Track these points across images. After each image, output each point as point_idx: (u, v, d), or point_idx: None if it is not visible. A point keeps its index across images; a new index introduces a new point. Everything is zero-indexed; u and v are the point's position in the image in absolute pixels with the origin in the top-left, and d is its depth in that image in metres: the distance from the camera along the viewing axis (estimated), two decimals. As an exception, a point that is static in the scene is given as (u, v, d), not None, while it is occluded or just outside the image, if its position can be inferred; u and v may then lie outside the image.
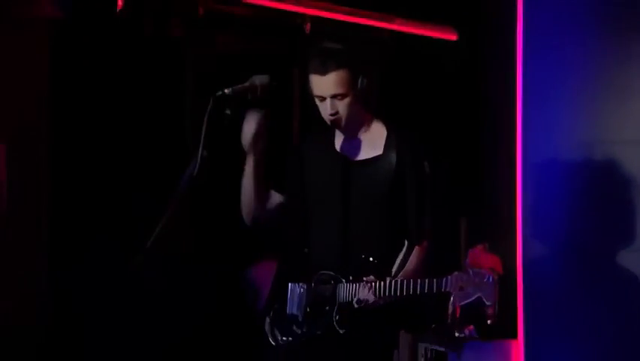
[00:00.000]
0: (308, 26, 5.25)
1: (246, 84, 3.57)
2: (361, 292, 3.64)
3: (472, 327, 5.24)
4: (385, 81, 5.56)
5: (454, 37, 5.73)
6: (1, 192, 4.88)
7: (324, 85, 3.72)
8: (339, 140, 3.90)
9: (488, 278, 3.39)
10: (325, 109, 3.75)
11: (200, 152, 3.27)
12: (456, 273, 3.48)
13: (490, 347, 5.16)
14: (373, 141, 3.83)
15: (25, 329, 4.88)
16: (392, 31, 5.63)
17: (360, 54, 3.81)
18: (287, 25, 5.25)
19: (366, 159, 3.82)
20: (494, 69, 5.57)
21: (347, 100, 3.73)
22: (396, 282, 3.60)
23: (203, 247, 5.11)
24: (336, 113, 3.74)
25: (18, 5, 4.92)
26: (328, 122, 3.79)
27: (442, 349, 5.20)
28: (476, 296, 3.43)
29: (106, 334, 5.02)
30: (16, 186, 4.92)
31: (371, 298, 3.62)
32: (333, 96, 3.72)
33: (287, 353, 3.81)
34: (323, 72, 3.70)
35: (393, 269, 3.75)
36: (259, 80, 3.60)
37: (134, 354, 5.07)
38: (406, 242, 3.79)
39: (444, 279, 3.51)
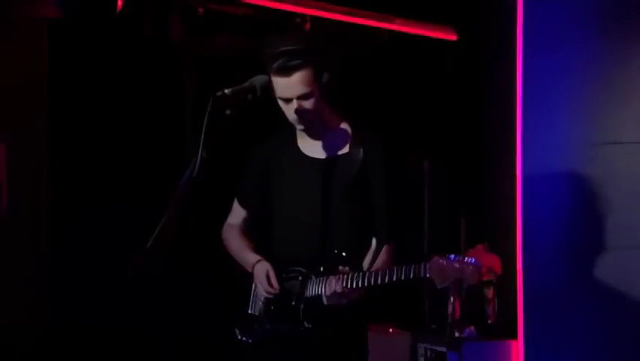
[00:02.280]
0: (308, 26, 5.26)
1: (246, 85, 3.55)
2: (328, 286, 3.57)
3: (472, 327, 5.26)
4: (385, 81, 5.61)
5: (454, 38, 5.73)
6: (1, 192, 4.88)
7: (290, 86, 3.62)
8: (301, 138, 3.82)
9: (470, 260, 3.32)
10: (291, 111, 3.67)
11: (200, 152, 3.27)
12: (435, 257, 3.38)
13: (490, 347, 5.17)
14: (338, 139, 3.76)
15: (24, 328, 4.88)
16: (391, 31, 5.63)
17: (321, 50, 3.70)
18: (287, 25, 5.25)
19: (333, 157, 3.75)
20: (494, 69, 5.58)
21: (313, 100, 3.64)
22: (375, 271, 3.52)
23: (202, 247, 5.10)
24: (304, 113, 3.65)
25: (18, 5, 4.92)
26: (295, 124, 3.71)
27: (442, 349, 5.21)
28: (456, 279, 3.33)
29: (105, 334, 5.02)
30: (16, 186, 4.91)
31: (339, 288, 3.54)
32: (300, 97, 3.64)
33: (258, 351, 3.77)
34: (287, 74, 3.60)
35: (364, 266, 3.68)
36: (259, 80, 3.58)
37: (133, 354, 5.07)
38: (374, 241, 3.72)
39: (422, 265, 3.40)
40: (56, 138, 5.02)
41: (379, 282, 3.49)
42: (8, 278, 4.83)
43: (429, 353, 5.26)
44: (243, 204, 3.94)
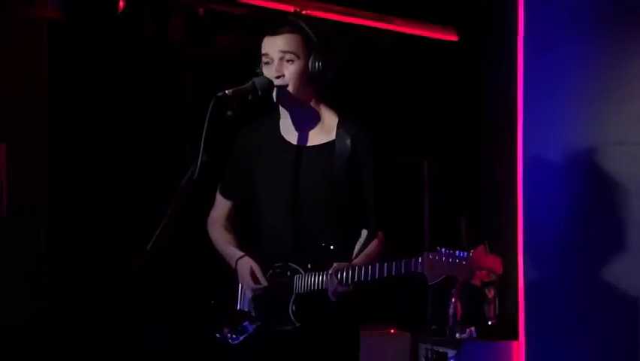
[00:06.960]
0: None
1: (247, 85, 3.54)
2: (330, 283, 3.48)
3: (472, 328, 5.26)
4: (385, 81, 5.61)
5: (454, 38, 5.73)
6: (2, 192, 4.88)
7: (276, 42, 3.56)
8: (284, 126, 3.71)
9: (461, 255, 3.29)
10: (271, 71, 3.57)
11: (200, 153, 3.26)
12: (425, 253, 3.34)
13: (491, 348, 5.17)
14: (323, 128, 3.66)
15: (24, 328, 4.88)
16: (391, 31, 5.63)
17: (321, 41, 3.61)
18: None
19: (318, 145, 3.65)
20: (494, 69, 5.58)
21: (296, 65, 3.56)
22: (365, 266, 3.45)
23: (202, 249, 5.10)
24: (282, 76, 3.55)
25: (18, 5, 4.91)
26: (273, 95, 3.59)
27: (443, 350, 5.21)
28: (448, 275, 3.31)
29: (104, 334, 5.02)
30: (16, 186, 4.91)
31: (340, 288, 3.46)
32: (282, 56, 3.55)
33: (247, 349, 3.72)
34: (276, 33, 3.56)
35: (353, 257, 3.60)
36: (260, 80, 3.57)
37: (133, 354, 5.07)
38: (364, 232, 3.65)
39: (413, 260, 3.35)
40: (56, 138, 5.01)
41: (370, 277, 3.43)
42: (8, 278, 4.83)
43: (430, 353, 5.27)
44: (225, 195, 3.82)
